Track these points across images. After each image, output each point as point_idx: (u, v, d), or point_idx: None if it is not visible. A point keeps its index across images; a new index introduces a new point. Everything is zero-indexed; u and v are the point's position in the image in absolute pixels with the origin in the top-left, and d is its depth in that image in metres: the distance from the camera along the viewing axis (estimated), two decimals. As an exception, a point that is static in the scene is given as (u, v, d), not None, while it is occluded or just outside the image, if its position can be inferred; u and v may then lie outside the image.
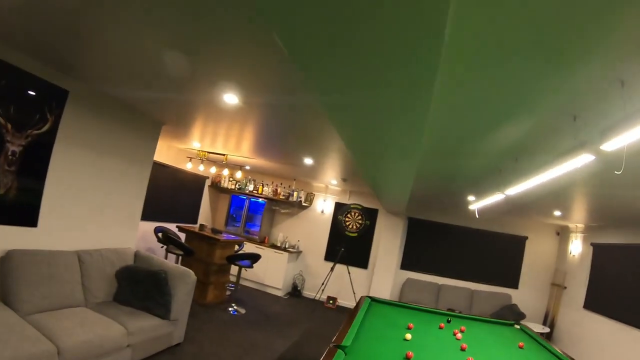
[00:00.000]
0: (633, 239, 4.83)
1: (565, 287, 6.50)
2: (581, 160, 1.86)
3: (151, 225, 5.40)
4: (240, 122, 3.37)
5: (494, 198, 3.84)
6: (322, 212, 7.14)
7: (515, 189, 3.00)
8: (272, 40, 1.46)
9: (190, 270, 3.42)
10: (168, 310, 3.11)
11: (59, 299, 2.70)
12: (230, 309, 4.96)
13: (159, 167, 5.23)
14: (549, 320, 6.72)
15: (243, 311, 5.03)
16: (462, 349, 2.53)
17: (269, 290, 6.55)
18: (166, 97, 2.97)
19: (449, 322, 3.41)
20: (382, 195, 5.10)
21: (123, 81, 2.75)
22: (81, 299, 2.90)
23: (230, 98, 2.56)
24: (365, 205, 7.16)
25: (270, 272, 6.54)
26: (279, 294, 6.49)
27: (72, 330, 2.39)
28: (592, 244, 5.83)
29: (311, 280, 6.98)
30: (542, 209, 5.23)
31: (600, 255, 5.59)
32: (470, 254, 7.14)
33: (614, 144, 1.54)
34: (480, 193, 4.43)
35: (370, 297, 3.73)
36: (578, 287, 5.94)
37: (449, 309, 6.19)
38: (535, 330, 5.66)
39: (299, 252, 7.06)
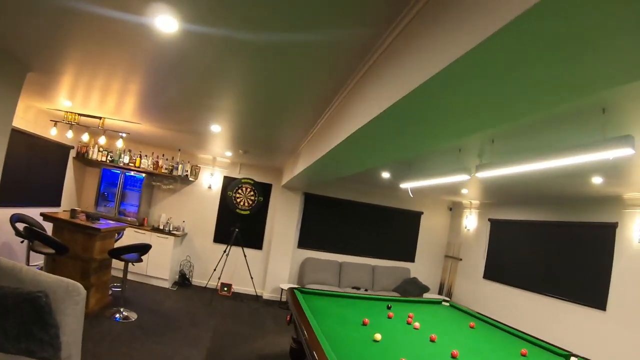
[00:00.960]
0: (527, 215, 6.87)
1: (461, 259, 8.56)
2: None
3: (4, 213, 5.16)
4: (130, 69, 3.12)
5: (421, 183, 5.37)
6: (210, 187, 7.72)
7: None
8: None
9: (78, 284, 2.89)
10: (57, 349, 2.62)
11: None
12: (118, 315, 4.91)
13: (14, 135, 4.53)
14: (444, 290, 8.89)
15: (134, 316, 5.05)
16: (432, 340, 3.27)
17: (154, 282, 6.86)
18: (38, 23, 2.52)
19: (389, 308, 4.32)
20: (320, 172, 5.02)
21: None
22: None
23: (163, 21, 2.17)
24: (258, 179, 7.96)
25: (154, 261, 6.74)
26: (166, 285, 6.88)
27: None
28: (489, 220, 7.85)
29: (201, 266, 7.62)
30: (449, 190, 7.03)
31: (497, 229, 7.65)
32: (369, 230, 8.58)
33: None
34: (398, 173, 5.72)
35: (297, 289, 4.29)
36: (476, 259, 7.97)
37: (353, 287, 7.69)
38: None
39: (184, 235, 7.56)
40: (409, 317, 4.05)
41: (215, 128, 4.79)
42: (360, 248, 8.64)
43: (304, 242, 8.27)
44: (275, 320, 6.22)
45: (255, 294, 7.59)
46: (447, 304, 5.21)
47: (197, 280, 7.65)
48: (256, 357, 4.59)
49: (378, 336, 3.12)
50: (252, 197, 8.00)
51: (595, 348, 4.64)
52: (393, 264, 8.80)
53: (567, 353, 3.43)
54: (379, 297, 5.00)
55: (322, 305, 4.03)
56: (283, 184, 7.53)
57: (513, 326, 4.17)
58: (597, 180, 4.24)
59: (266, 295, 7.68)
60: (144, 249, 5.13)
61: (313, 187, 7.86)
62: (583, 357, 3.28)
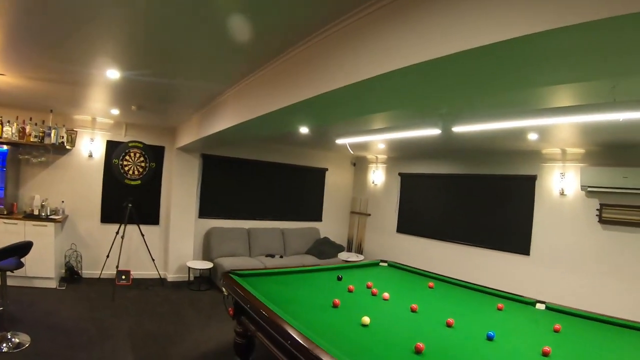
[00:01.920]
0: (447, 169, 7.54)
1: (370, 215, 9.09)
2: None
3: None
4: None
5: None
6: (91, 156, 6.95)
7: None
8: None
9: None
10: None
11: None
12: (4, 345, 4.03)
13: None
14: (354, 246, 9.31)
15: (27, 339, 4.21)
16: (413, 310, 3.42)
17: (38, 284, 6.06)
18: None
19: (340, 279, 4.42)
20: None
21: None
22: None
23: None
24: (148, 142, 7.42)
25: (34, 257, 5.37)
26: (52, 284, 6.16)
27: None
28: (399, 174, 8.43)
29: (90, 254, 6.96)
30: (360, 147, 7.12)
31: (409, 183, 8.28)
32: (274, 191, 8.73)
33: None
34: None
35: (234, 273, 4.05)
36: (388, 214, 8.62)
37: (267, 255, 7.86)
38: (352, 259, 8.03)
39: (65, 219, 6.76)
40: (367, 286, 4.21)
41: (112, 74, 4.00)
42: (267, 212, 8.76)
43: (206, 210, 8.04)
44: (193, 307, 6.12)
45: (158, 276, 7.31)
46: (385, 264, 5.60)
47: (88, 271, 7.03)
48: None
49: (366, 320, 3.04)
50: (143, 164, 7.44)
51: (522, 287, 5.46)
52: (302, 225, 9.14)
53: (533, 300, 3.99)
54: (321, 267, 5.15)
55: (271, 287, 3.87)
56: (180, 146, 7.17)
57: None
58: (532, 136, 4.99)
59: (171, 277, 7.48)
60: (23, 249, 4.35)
61: (212, 147, 7.56)
62: (547, 302, 3.90)
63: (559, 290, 5.53)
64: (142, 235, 6.96)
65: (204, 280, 7.33)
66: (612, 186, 5.07)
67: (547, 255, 5.94)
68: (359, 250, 9.29)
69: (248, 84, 3.93)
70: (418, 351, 2.54)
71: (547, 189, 6.03)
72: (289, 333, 2.58)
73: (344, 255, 8.54)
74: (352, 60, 2.35)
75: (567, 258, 5.71)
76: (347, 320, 3.10)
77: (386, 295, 3.87)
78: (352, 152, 8.01)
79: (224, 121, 4.65)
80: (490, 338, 2.90)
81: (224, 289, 3.88)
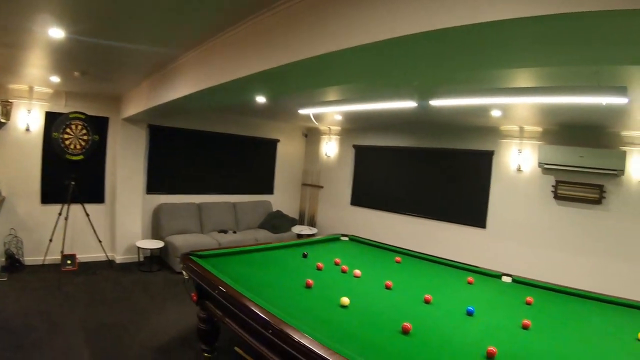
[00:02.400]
0: (404, 142, 7.58)
1: (322, 187, 9.03)
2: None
3: None
4: None
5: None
6: (28, 129, 6.32)
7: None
8: None
9: None
10: None
11: None
12: None
13: None
14: (306, 219, 9.26)
15: None
16: (388, 287, 3.43)
17: None
18: None
19: (305, 256, 4.32)
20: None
21: None
22: None
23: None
24: (91, 112, 6.86)
25: None
26: None
27: None
28: (354, 146, 8.42)
29: (31, 238, 6.39)
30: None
31: (364, 156, 8.29)
32: (225, 164, 8.46)
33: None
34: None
35: (194, 255, 3.81)
36: (342, 186, 8.64)
37: (220, 231, 7.64)
38: (306, 232, 7.96)
39: (2, 201, 6.17)
40: (335, 263, 4.17)
41: (56, 33, 3.46)
42: (218, 185, 8.49)
43: (154, 185, 7.65)
44: (146, 290, 5.82)
45: (106, 259, 6.95)
46: (347, 238, 5.59)
47: (30, 258, 6.43)
48: (157, 352, 4.04)
49: (345, 300, 2.98)
50: (85, 137, 6.88)
51: (480, 260, 5.55)
52: (253, 198, 8.96)
53: (499, 273, 4.11)
54: (283, 244, 5.03)
55: (237, 270, 3.69)
56: (126, 116, 6.73)
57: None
58: (495, 113, 5.08)
59: (119, 258, 7.12)
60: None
61: (161, 117, 7.16)
62: (513, 275, 4.03)
63: (517, 263, 5.74)
64: (87, 215, 6.52)
65: (155, 260, 7.02)
66: (568, 164, 5.31)
67: (503, 229, 6.19)
68: (312, 223, 9.27)
69: (208, 49, 3.67)
70: (405, 331, 2.49)
71: (505, 165, 6.22)
72: (268, 321, 2.41)
73: (297, 229, 8.48)
74: (316, 31, 2.28)
75: (523, 232, 5.96)
76: (325, 302, 3.05)
77: (357, 272, 3.84)
78: (316, 122, 7.83)
79: (180, 89, 4.32)
80: (470, 313, 2.94)
81: (184, 273, 3.64)
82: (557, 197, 5.57)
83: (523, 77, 3.36)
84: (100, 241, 6.70)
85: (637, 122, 4.62)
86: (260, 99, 5.10)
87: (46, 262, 6.36)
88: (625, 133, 5.14)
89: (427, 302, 3.14)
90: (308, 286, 3.33)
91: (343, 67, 2.56)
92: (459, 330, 2.70)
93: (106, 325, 4.50)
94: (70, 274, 6.15)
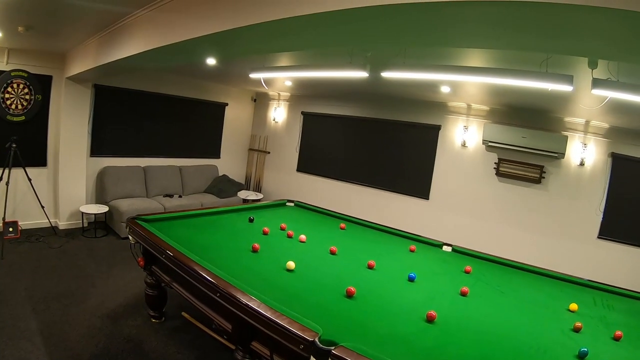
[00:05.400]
0: (340, 110, 7.76)
1: (269, 152, 9.14)
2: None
3: None
4: None
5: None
6: None
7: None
8: None
9: None
10: None
11: None
12: None
13: None
14: (252, 184, 9.34)
15: None
16: (333, 253, 3.55)
17: None
18: None
19: (251, 220, 4.34)
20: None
21: None
22: None
23: None
24: (34, 71, 6.45)
25: None
26: None
27: None
28: (302, 113, 8.44)
29: None
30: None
31: (309, 123, 8.33)
32: (171, 126, 8.27)
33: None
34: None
35: (140, 219, 3.74)
36: (288, 152, 8.70)
37: (165, 195, 7.55)
38: (251, 197, 7.97)
39: None
40: (281, 228, 4.25)
41: None
42: (164, 148, 8.27)
43: (99, 148, 7.35)
44: (92, 257, 5.68)
45: (50, 225, 6.66)
46: (292, 204, 5.75)
47: None
48: (106, 319, 3.93)
49: (291, 264, 3.07)
50: (27, 97, 6.48)
51: (423, 230, 5.67)
52: (200, 162, 8.83)
53: (441, 243, 4.35)
54: (230, 208, 5.06)
55: (183, 233, 3.69)
56: (70, 75, 6.38)
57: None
58: (445, 89, 5.23)
59: (63, 224, 6.88)
60: None
61: (107, 77, 6.88)
62: (453, 245, 4.27)
63: (457, 234, 5.99)
64: (29, 179, 6.21)
65: (100, 226, 6.85)
66: (511, 144, 5.61)
67: (446, 201, 6.50)
68: (258, 189, 9.33)
69: (159, 8, 3.53)
70: (349, 295, 2.60)
71: (450, 140, 6.47)
72: (216, 284, 2.48)
73: (243, 194, 8.46)
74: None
75: (464, 205, 6.29)
76: (271, 266, 3.16)
77: (303, 237, 3.97)
78: (266, 87, 7.76)
79: (129, 47, 4.15)
80: (411, 279, 3.12)
81: (130, 237, 3.62)
82: (499, 174, 5.89)
83: (475, 57, 3.51)
84: (43, 207, 6.41)
85: (580, 110, 4.90)
86: (211, 61, 5.03)
87: (-18, 231, 6.09)
88: (568, 119, 5.46)
89: (370, 267, 3.32)
90: (254, 250, 3.39)
91: (294, 34, 2.55)
92: (400, 295, 2.88)
93: (52, 294, 4.36)
94: (13, 242, 5.86)
